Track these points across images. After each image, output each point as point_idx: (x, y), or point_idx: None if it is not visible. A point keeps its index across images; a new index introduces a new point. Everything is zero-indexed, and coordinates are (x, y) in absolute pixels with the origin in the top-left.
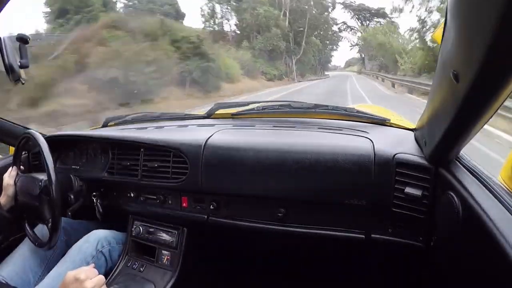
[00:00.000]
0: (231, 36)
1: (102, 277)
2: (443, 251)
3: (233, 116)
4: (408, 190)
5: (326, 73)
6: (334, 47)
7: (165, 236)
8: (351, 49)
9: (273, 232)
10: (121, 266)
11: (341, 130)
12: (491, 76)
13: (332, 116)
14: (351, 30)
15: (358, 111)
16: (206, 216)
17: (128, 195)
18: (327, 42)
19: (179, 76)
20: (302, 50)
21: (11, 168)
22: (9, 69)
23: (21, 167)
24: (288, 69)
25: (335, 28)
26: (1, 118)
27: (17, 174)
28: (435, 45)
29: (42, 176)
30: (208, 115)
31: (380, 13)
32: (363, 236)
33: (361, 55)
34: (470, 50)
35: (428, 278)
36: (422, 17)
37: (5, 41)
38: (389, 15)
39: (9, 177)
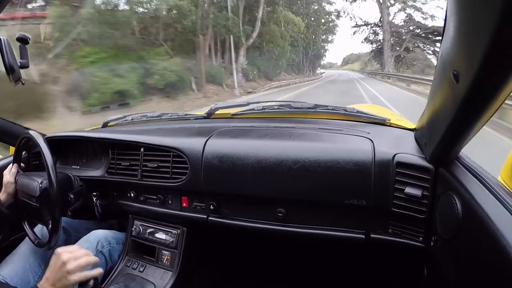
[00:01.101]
0: None
1: (81, 252)
2: (443, 251)
3: (232, 116)
4: (408, 190)
5: (321, 71)
6: (329, 38)
7: (165, 236)
8: (354, 33)
9: (273, 232)
10: (121, 266)
11: (341, 130)
12: (491, 76)
13: (332, 116)
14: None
15: (358, 111)
16: (206, 216)
17: (128, 195)
18: (321, 29)
19: None
20: (258, 29)
21: (11, 165)
22: (10, 70)
23: (22, 165)
24: (226, 70)
25: (328, 7)
26: (1, 118)
27: (18, 172)
28: None
29: (42, 178)
30: (208, 115)
31: None
32: (363, 236)
33: (372, 44)
34: (470, 50)
35: (428, 278)
36: None
37: (5, 41)
38: None
39: (10, 174)
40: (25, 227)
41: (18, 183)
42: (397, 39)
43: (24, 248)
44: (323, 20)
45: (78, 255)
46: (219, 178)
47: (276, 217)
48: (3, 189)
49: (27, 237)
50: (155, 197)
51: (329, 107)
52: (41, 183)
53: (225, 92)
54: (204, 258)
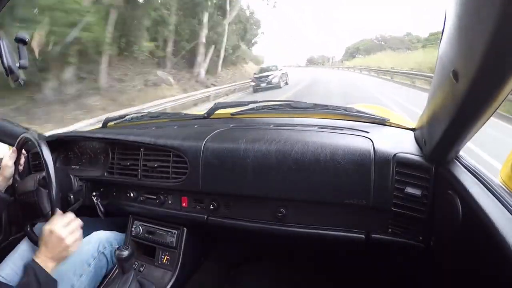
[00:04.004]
0: None
1: (78, 221)
2: (443, 251)
3: (232, 116)
4: (408, 189)
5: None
6: None
7: (165, 236)
8: None
9: (272, 232)
10: None
11: (341, 130)
12: (491, 75)
13: (332, 116)
14: None
15: (358, 111)
16: (206, 216)
17: (128, 195)
18: None
19: None
20: None
21: (10, 150)
22: (9, 70)
23: (22, 161)
24: None
25: None
26: (1, 118)
27: (17, 157)
28: None
29: (39, 174)
30: (208, 115)
31: None
32: (363, 236)
33: None
34: (469, 49)
35: (428, 278)
36: None
37: (4, 42)
38: None
39: (9, 158)
40: (25, 227)
41: (17, 188)
42: None
43: (23, 248)
44: None
45: (73, 228)
46: (219, 178)
47: (276, 217)
48: (0, 171)
49: (26, 237)
50: (155, 197)
51: (329, 107)
52: (38, 176)
53: None
54: (204, 258)
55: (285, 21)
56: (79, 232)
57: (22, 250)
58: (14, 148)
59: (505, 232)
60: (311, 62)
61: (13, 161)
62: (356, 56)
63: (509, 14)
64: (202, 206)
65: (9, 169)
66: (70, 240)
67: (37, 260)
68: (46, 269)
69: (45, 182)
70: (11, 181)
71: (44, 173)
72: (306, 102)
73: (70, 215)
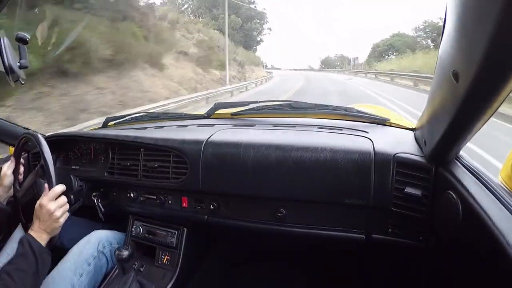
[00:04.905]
0: None
1: (64, 198)
2: (443, 250)
3: (232, 116)
4: (408, 190)
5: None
6: None
7: (165, 236)
8: None
9: (273, 232)
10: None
11: (341, 130)
12: (491, 75)
13: (332, 116)
14: None
15: (358, 111)
16: (206, 216)
17: (128, 195)
18: None
19: None
20: None
21: (10, 159)
22: (9, 70)
23: (22, 165)
24: None
25: None
26: (1, 118)
27: (16, 166)
28: None
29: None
30: (208, 115)
31: None
32: (363, 236)
33: None
34: (470, 50)
35: (428, 278)
36: None
37: (5, 41)
38: None
39: (8, 167)
40: (27, 228)
41: (17, 195)
42: None
43: (19, 235)
44: None
45: (61, 203)
46: (219, 178)
47: (276, 217)
48: None
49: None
50: (155, 197)
51: (329, 107)
52: (36, 168)
53: None
54: (204, 258)
55: (296, 18)
56: (67, 206)
57: (18, 237)
58: (13, 157)
59: (505, 232)
60: (326, 64)
61: (12, 170)
62: (388, 57)
63: (509, 14)
64: (202, 206)
65: (8, 178)
66: (59, 213)
67: (32, 233)
68: (41, 241)
69: (43, 171)
70: (11, 191)
71: (42, 161)
72: (306, 102)
73: (57, 190)
